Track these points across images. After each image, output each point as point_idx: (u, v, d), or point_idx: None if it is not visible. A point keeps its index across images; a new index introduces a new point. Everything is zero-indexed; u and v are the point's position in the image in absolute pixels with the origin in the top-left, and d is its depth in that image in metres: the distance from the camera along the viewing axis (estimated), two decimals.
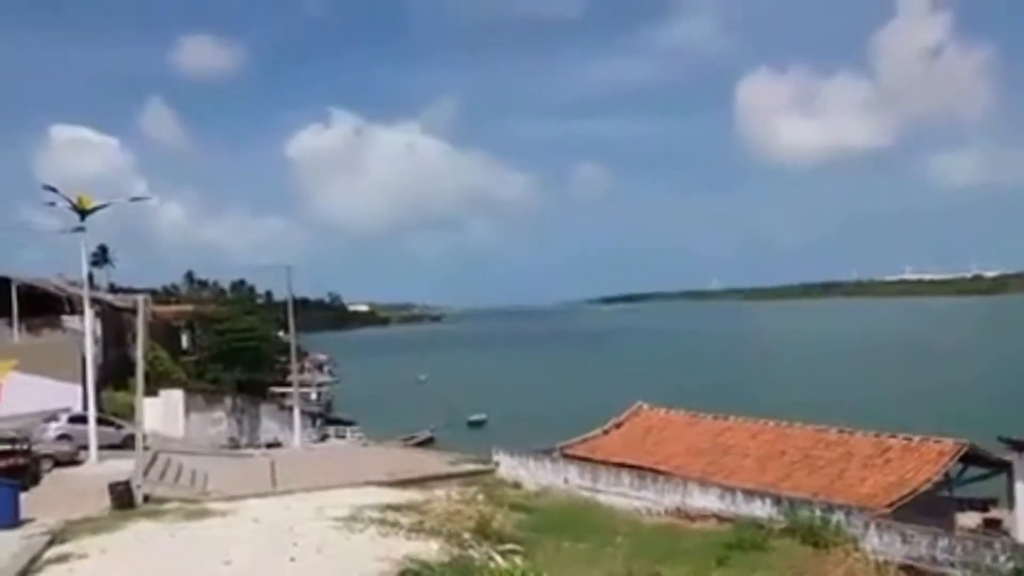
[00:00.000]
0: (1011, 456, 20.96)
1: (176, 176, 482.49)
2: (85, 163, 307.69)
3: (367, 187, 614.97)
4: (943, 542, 16.80)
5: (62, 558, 15.19)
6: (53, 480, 26.20)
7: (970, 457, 22.43)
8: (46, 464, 27.31)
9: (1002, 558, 15.71)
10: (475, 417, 68.10)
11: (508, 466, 28.25)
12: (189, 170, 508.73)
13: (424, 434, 57.97)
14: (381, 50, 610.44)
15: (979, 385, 71.95)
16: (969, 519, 22.08)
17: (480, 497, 22.57)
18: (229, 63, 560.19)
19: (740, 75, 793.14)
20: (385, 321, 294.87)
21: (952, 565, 16.28)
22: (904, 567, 16.72)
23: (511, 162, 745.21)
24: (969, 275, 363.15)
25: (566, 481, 25.89)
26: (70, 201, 30.27)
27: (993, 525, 21.51)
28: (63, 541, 16.62)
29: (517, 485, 26.47)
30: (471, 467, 29.01)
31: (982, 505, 22.69)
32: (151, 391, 36.69)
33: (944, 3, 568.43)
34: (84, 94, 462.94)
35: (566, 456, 27.97)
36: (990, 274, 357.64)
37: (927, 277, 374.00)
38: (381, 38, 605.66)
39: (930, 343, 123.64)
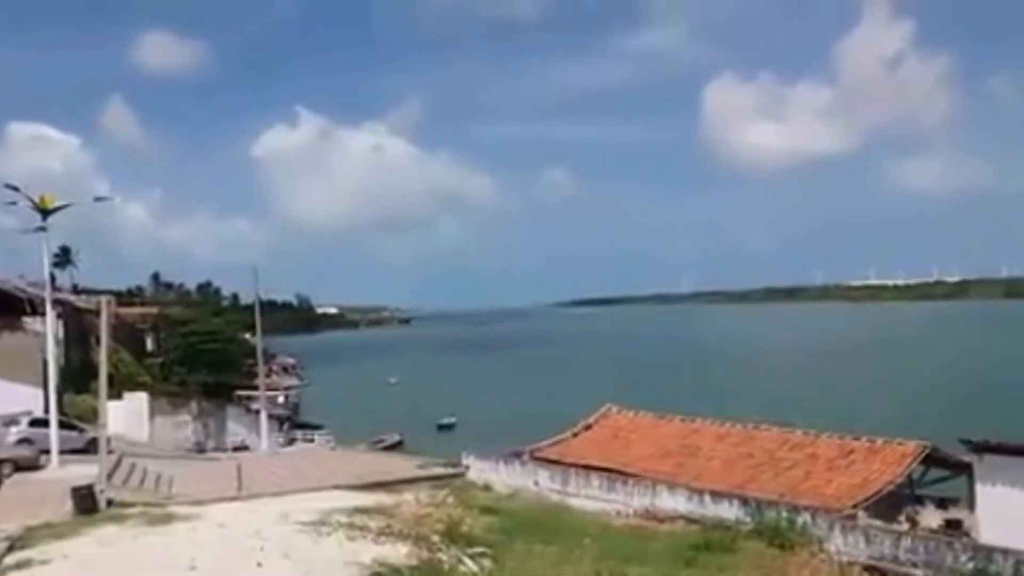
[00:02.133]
0: (971, 458, 21.36)
1: (139, 176, 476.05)
2: (45, 162, 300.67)
3: (334, 188, 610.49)
4: (906, 542, 17.08)
5: (22, 564, 14.91)
6: (13, 485, 25.73)
7: (932, 459, 22.88)
8: (6, 469, 26.85)
9: (963, 558, 16.00)
10: (445, 420, 67.90)
11: (478, 469, 28.21)
12: (152, 170, 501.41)
13: (393, 438, 57.67)
14: (348, 51, 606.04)
15: (940, 388, 73.26)
16: (931, 519, 22.45)
17: (450, 500, 22.53)
18: (193, 62, 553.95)
19: (707, 81, 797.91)
20: (354, 324, 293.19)
21: (915, 565, 16.55)
22: (868, 567, 16.98)
23: (479, 164, 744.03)
24: (932, 280, 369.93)
25: (536, 484, 25.92)
26: (32, 200, 29.75)
27: (954, 526, 21.89)
28: (24, 547, 16.30)
29: (487, 488, 26.44)
30: (440, 470, 28.90)
31: (941, 503, 23.13)
32: (115, 394, 36.20)
33: (906, 12, 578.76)
34: (43, 91, 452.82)
35: (536, 459, 28.02)
36: (952, 279, 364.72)
37: (891, 282, 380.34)
38: (348, 39, 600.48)
39: (893, 347, 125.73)
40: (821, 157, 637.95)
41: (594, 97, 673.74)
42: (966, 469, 21.95)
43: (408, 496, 23.13)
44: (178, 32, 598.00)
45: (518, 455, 28.44)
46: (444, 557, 14.77)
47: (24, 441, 30.92)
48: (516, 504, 23.54)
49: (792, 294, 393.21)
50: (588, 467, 25.78)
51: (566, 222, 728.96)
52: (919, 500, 23.23)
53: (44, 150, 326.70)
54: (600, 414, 31.27)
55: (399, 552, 15.86)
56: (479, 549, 15.79)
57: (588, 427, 30.72)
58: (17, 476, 26.94)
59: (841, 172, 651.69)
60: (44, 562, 15.09)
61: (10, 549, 16.02)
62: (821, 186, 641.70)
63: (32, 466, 28.46)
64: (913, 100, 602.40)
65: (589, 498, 23.83)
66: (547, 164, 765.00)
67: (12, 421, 32.39)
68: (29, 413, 33.31)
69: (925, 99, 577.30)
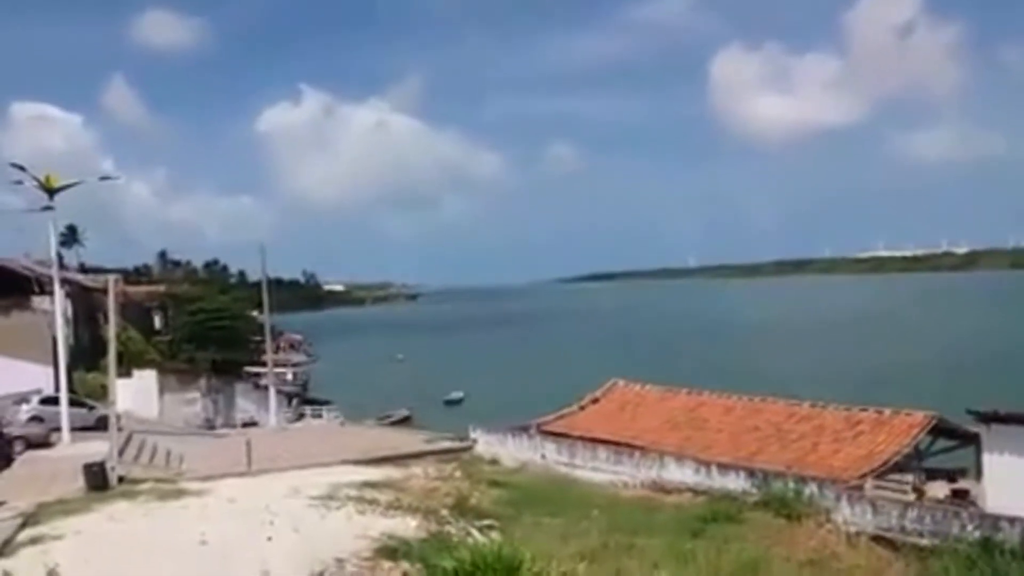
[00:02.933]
0: (979, 428, 21.34)
1: (143, 154, 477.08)
2: (48, 141, 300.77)
3: (340, 165, 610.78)
4: (912, 512, 17.12)
5: (36, 540, 15.07)
6: (25, 462, 25.98)
7: (939, 429, 22.87)
8: (18, 446, 27.10)
9: (969, 527, 16.06)
10: (452, 396, 68.09)
11: (485, 443, 28.34)
12: (156, 148, 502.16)
13: (401, 413, 57.87)
14: (351, 27, 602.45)
15: (947, 360, 73.08)
16: (938, 489, 22.48)
17: (457, 474, 22.70)
18: (194, 40, 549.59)
19: (713, 52, 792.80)
20: (361, 301, 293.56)
21: (921, 535, 16.60)
22: (875, 537, 17.04)
23: (484, 140, 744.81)
24: (940, 251, 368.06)
25: (543, 457, 26.04)
26: (38, 180, 29.72)
27: (961, 495, 21.92)
28: (36, 523, 16.48)
29: (494, 462, 26.58)
30: (448, 444, 29.06)
31: (949, 476, 23.14)
32: (124, 372, 36.33)
33: None
34: (46, 71, 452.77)
35: (543, 432, 28.11)
36: (960, 250, 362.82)
37: (899, 254, 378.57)
38: (351, 14, 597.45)
39: (901, 318, 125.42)
40: (829, 128, 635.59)
41: (600, 70, 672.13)
42: (973, 440, 21.95)
43: (416, 470, 23.30)
44: (179, 9, 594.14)
45: (525, 429, 28.54)
46: (452, 530, 14.88)
47: (35, 419, 31.15)
48: (523, 477, 23.68)
49: (800, 267, 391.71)
50: (595, 440, 25.87)
51: (572, 197, 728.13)
52: (927, 471, 23.25)
53: (47, 129, 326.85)
54: (607, 387, 31.32)
55: (408, 525, 15.99)
56: (487, 522, 15.91)
57: (595, 400, 30.78)
58: (29, 454, 27.21)
59: (850, 143, 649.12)
60: (57, 538, 15.24)
61: (23, 525, 16.19)
62: (829, 158, 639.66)
63: (43, 444, 28.74)
64: (923, 70, 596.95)
65: (596, 471, 23.94)
66: (553, 139, 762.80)
67: (23, 399, 32.61)
68: (39, 391, 33.51)
69: (935, 69, 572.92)
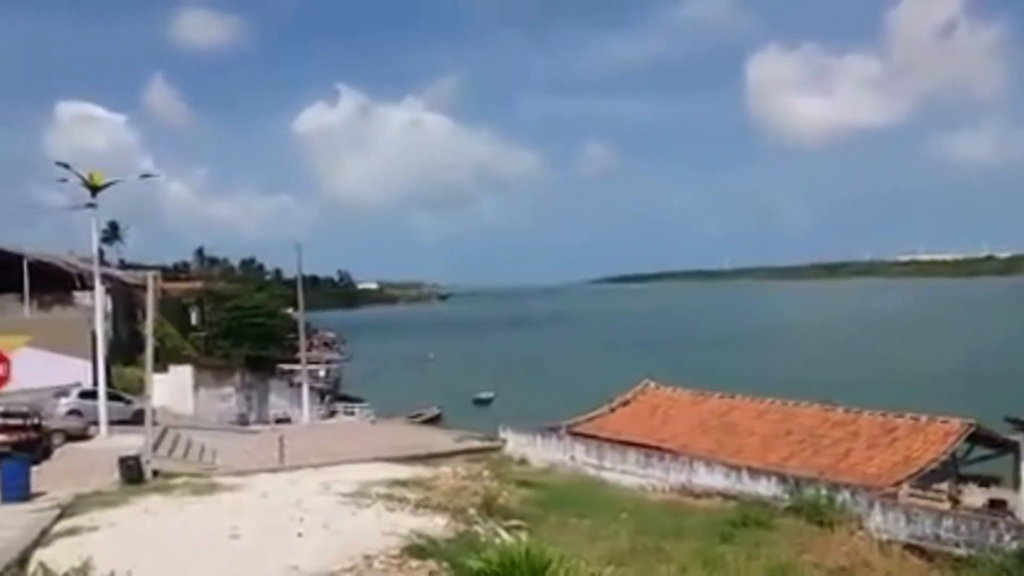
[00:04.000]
0: (1017, 436, 20.93)
1: (183, 152, 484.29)
2: (92, 139, 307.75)
3: (375, 164, 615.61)
4: (947, 521, 16.82)
5: (72, 531, 15.36)
6: (64, 454, 26.51)
7: (977, 437, 22.44)
8: (57, 439, 27.64)
9: (1007, 538, 15.73)
10: (482, 395, 68.20)
11: (515, 443, 28.37)
12: (196, 146, 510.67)
13: (431, 411, 58.09)
14: (388, 26, 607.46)
15: (986, 367, 71.63)
16: (974, 498, 22.07)
17: (486, 473, 22.71)
18: (233, 40, 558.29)
19: (752, 53, 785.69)
20: (393, 300, 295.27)
21: (956, 545, 16.30)
22: (908, 546, 16.76)
23: (519, 140, 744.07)
24: (982, 255, 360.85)
25: (572, 458, 26.00)
26: (82, 177, 30.37)
27: (998, 505, 21.50)
28: (73, 514, 16.80)
29: (523, 462, 26.58)
30: (478, 444, 29.13)
31: (984, 483, 22.71)
32: (161, 367, 36.92)
33: None
34: (91, 71, 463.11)
35: (572, 434, 28.07)
36: (1003, 254, 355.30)
37: (939, 257, 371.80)
38: (388, 14, 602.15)
39: (940, 324, 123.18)
40: (869, 130, 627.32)
41: (635, 71, 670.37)
42: (1012, 448, 21.53)
43: (446, 469, 23.35)
44: (218, 8, 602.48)
45: (555, 430, 28.52)
46: (480, 529, 14.85)
47: (74, 412, 31.78)
48: (552, 478, 23.64)
49: (838, 270, 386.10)
50: (625, 442, 25.76)
51: (606, 198, 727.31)
52: (963, 479, 22.83)
53: (91, 128, 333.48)
54: (638, 390, 31.18)
55: (436, 524, 16.04)
56: (515, 522, 15.86)
57: (626, 403, 30.66)
58: (67, 446, 27.75)
59: (889, 145, 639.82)
60: (93, 529, 15.53)
61: (60, 516, 16.52)
62: (869, 159, 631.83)
63: (81, 436, 29.32)
64: (965, 70, 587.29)
65: (625, 473, 23.85)
66: (587, 139, 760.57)
67: (62, 393, 33.27)
68: (78, 385, 34.18)
69: (977, 69, 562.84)
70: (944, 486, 20.49)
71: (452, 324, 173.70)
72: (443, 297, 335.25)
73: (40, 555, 13.52)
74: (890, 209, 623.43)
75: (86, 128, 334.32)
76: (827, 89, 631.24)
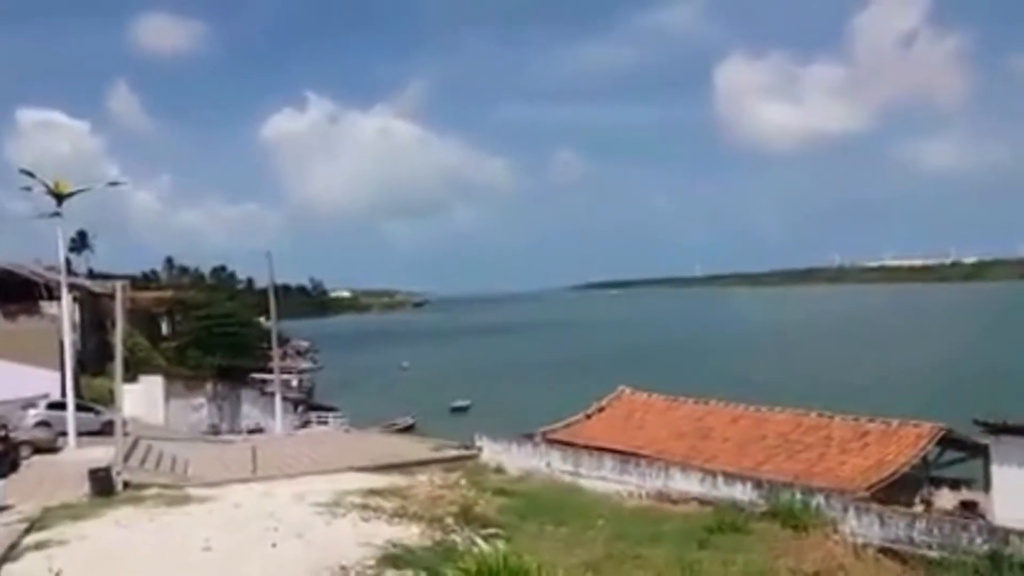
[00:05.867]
0: (987, 439, 21.23)
1: (149, 160, 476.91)
2: (55, 147, 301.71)
3: (346, 172, 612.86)
4: (920, 524, 17.01)
5: (41, 545, 15.06)
6: (32, 467, 26.04)
7: (947, 440, 22.78)
8: (25, 451, 27.16)
9: (978, 540, 15.93)
10: (458, 403, 68.11)
11: (491, 451, 28.29)
12: (162, 154, 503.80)
13: (406, 420, 57.88)
14: (355, 33, 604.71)
15: (955, 371, 72.72)
16: (946, 500, 22.37)
17: (463, 482, 22.60)
18: (198, 46, 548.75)
19: (719, 61, 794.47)
20: (367, 308, 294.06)
21: (930, 547, 16.48)
22: (882, 549, 16.92)
23: (490, 147, 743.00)
24: (948, 261, 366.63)
25: (548, 466, 25.97)
26: (47, 186, 29.89)
27: (970, 507, 21.81)
28: (42, 528, 16.48)
29: (500, 470, 26.50)
30: (454, 452, 29.00)
31: (955, 485, 23.04)
32: (131, 377, 36.43)
33: None
34: (52, 77, 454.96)
35: (548, 441, 28.06)
36: (969, 260, 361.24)
37: (907, 263, 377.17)
38: (356, 21, 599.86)
39: (907, 329, 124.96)
40: (836, 137, 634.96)
41: (606, 78, 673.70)
42: (982, 451, 21.83)
43: (422, 478, 23.22)
44: (182, 15, 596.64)
45: (530, 437, 28.50)
46: (457, 538, 14.78)
47: (42, 423, 31.27)
48: (528, 486, 23.58)
49: (807, 276, 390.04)
50: (601, 449, 25.80)
51: (578, 205, 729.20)
52: (934, 482, 23.14)
53: (53, 135, 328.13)
54: (613, 396, 31.28)
55: (413, 533, 15.94)
56: (492, 530, 15.82)
57: (601, 409, 30.73)
58: (35, 458, 27.26)
59: (856, 152, 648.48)
60: (62, 543, 15.24)
61: (29, 530, 16.21)
62: (836, 166, 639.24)
63: (50, 448, 28.81)
64: (929, 78, 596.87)
65: (601, 480, 23.86)
66: (558, 146, 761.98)
67: (30, 404, 32.74)
68: (47, 396, 33.65)
69: (941, 77, 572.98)
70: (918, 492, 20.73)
71: (427, 332, 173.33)
72: (417, 305, 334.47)
73: (8, 569, 13.27)
74: (858, 215, 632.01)
75: (48, 135, 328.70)
76: (794, 96, 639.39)
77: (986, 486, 21.73)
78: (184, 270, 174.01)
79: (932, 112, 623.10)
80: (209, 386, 49.21)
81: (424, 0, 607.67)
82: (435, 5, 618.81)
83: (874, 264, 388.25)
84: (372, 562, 13.80)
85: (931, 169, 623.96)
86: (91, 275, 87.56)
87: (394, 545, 14.65)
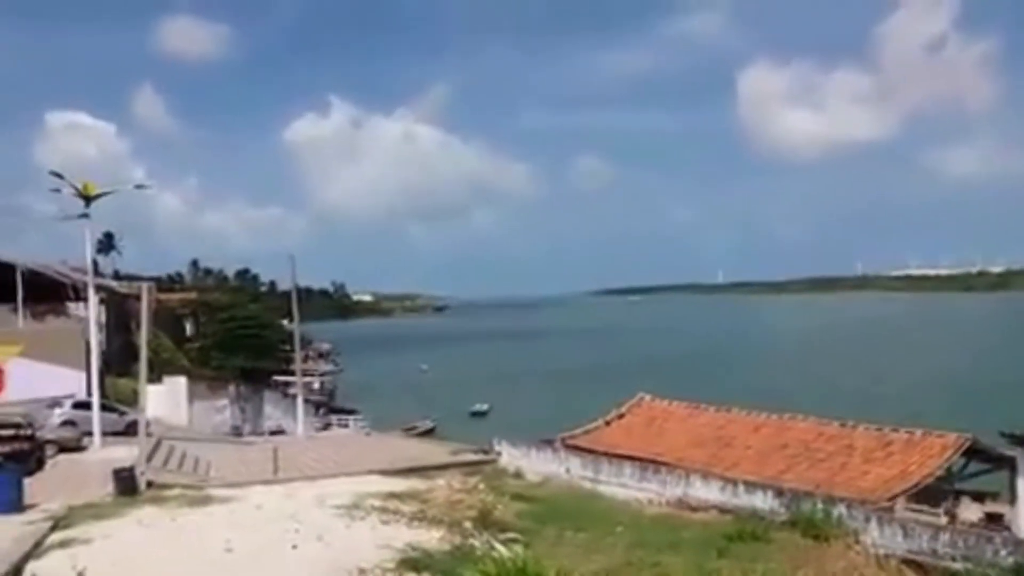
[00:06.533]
0: (1014, 451, 20.95)
1: (175, 163, 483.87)
2: (82, 149, 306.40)
3: (369, 176, 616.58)
4: (944, 536, 16.78)
5: (65, 543, 15.23)
6: (57, 466, 26.33)
7: (973, 451, 22.44)
8: (50, 450, 27.44)
9: (1003, 552, 15.69)
10: (477, 407, 68.17)
11: (510, 456, 28.26)
12: (188, 157, 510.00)
13: (426, 424, 58.03)
14: (379, 38, 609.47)
15: (981, 382, 71.79)
16: (970, 512, 22.07)
17: (481, 486, 22.60)
18: (224, 50, 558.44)
19: (743, 68, 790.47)
20: (388, 311, 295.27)
21: (953, 559, 16.27)
22: (905, 561, 16.72)
23: (514, 152, 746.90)
24: (974, 270, 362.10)
25: (568, 471, 25.90)
26: (75, 188, 30.28)
27: (995, 519, 21.50)
28: (66, 526, 16.67)
29: (518, 475, 26.47)
30: (473, 457, 29.00)
31: (980, 497, 22.72)
32: (155, 378, 36.85)
33: None
34: (80, 80, 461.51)
35: (568, 447, 28.00)
36: (995, 269, 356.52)
37: (932, 272, 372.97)
38: (381, 26, 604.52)
39: (932, 338, 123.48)
40: (861, 144, 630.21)
41: (630, 84, 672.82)
42: (1008, 463, 21.54)
43: (441, 482, 23.25)
44: (208, 18, 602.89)
45: (550, 442, 28.44)
46: (476, 543, 14.80)
47: (67, 423, 31.65)
48: (547, 491, 23.54)
49: (830, 284, 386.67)
50: (620, 455, 25.70)
51: (601, 210, 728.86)
52: (959, 494, 22.83)
53: (81, 137, 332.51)
54: (634, 402, 31.16)
55: (432, 537, 15.96)
56: (511, 535, 15.80)
57: (621, 415, 30.63)
58: (61, 457, 27.57)
59: (882, 159, 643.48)
60: (86, 541, 15.40)
61: (54, 528, 16.39)
62: (861, 174, 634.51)
63: (75, 447, 29.14)
64: (955, 85, 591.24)
65: (621, 486, 23.75)
66: (582, 152, 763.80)
67: (56, 403, 33.13)
68: (72, 396, 34.03)
69: (968, 84, 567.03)
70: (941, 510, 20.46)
71: (447, 336, 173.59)
72: (439, 309, 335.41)
73: (33, 567, 13.42)
74: (882, 223, 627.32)
75: (76, 137, 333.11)
76: (819, 103, 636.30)
77: (1012, 499, 21.43)
78: (208, 272, 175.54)
79: (959, 119, 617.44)
80: (232, 387, 49.66)
81: (447, 5, 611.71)
82: (458, 10, 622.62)
83: (899, 273, 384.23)
84: (391, 565, 13.84)
85: (958, 177, 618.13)
86: (117, 276, 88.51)
87: (413, 548, 14.68)
